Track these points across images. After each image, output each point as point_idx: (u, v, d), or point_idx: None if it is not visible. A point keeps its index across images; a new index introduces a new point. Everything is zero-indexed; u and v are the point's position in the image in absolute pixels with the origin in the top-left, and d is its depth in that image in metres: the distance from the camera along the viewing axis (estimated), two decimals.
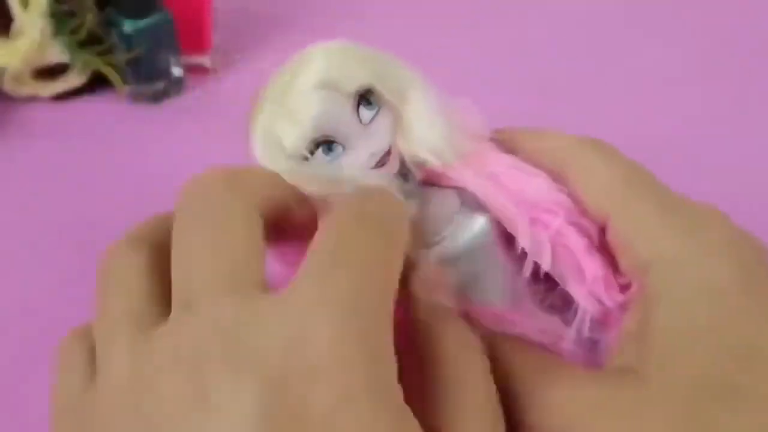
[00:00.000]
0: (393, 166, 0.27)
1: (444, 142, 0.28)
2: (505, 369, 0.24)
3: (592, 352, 0.27)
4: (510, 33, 0.60)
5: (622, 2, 0.63)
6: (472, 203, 0.28)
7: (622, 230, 0.27)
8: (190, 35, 0.52)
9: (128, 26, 0.49)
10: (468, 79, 0.56)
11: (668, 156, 0.48)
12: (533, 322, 0.27)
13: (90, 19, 0.50)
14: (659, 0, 0.63)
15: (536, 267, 0.27)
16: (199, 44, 0.54)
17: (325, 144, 0.26)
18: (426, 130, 0.28)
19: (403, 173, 0.28)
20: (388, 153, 0.27)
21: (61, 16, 0.49)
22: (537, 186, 0.28)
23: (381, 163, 0.27)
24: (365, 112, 0.27)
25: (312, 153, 0.26)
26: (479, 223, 0.28)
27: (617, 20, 0.61)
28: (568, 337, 0.27)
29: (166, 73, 0.52)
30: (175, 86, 0.53)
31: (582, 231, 0.28)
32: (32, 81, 0.51)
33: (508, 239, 0.28)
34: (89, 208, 0.44)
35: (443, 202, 0.28)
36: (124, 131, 0.50)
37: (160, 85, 0.52)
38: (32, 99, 0.52)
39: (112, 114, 0.51)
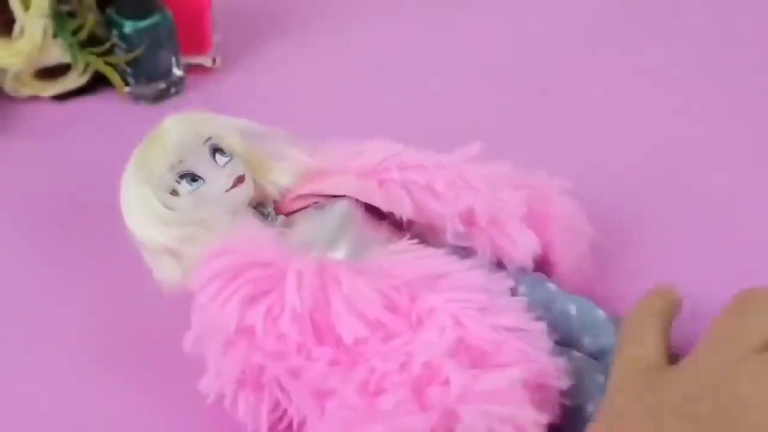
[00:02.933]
0: (248, 188, 0.36)
1: (291, 176, 0.37)
2: None
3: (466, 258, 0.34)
4: (508, 32, 0.60)
5: (621, 2, 0.63)
6: (329, 204, 0.36)
7: None
8: (190, 36, 0.52)
9: (129, 27, 0.49)
10: (467, 79, 0.56)
11: (668, 156, 0.49)
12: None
13: (91, 19, 0.50)
14: (658, 0, 0.63)
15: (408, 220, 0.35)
16: (199, 45, 0.54)
17: (189, 176, 0.35)
18: (276, 172, 0.37)
19: (265, 209, 0.37)
20: (243, 177, 0.36)
21: (62, 17, 0.49)
22: (370, 155, 0.36)
23: (237, 182, 0.36)
24: (220, 158, 0.36)
25: (178, 182, 0.35)
26: (340, 205, 0.35)
27: (617, 19, 0.61)
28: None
29: (166, 74, 0.52)
30: (176, 86, 0.53)
31: (419, 170, 0.35)
32: (33, 81, 0.52)
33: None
34: (90, 207, 0.44)
35: (309, 215, 0.36)
36: (125, 131, 0.50)
37: (160, 85, 0.52)
38: (33, 99, 0.52)
39: (113, 114, 0.52)
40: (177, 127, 0.36)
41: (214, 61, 0.55)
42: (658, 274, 0.40)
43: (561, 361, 0.30)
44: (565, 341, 0.33)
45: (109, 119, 0.51)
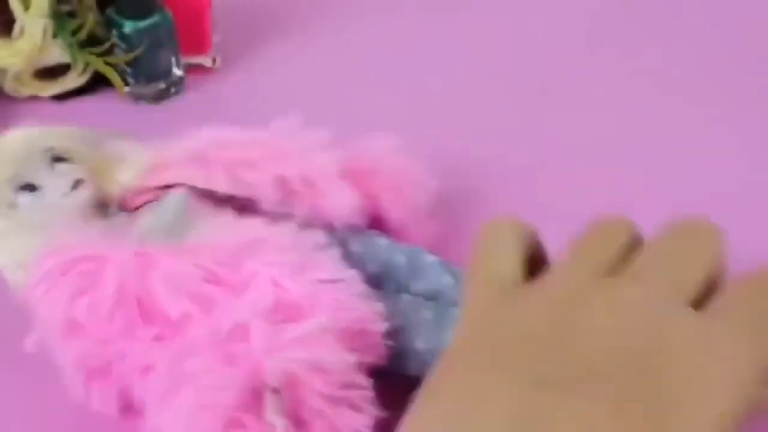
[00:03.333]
0: (89, 191, 0.37)
1: (131, 173, 0.38)
2: None
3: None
4: (508, 32, 0.60)
5: (621, 2, 0.63)
6: (165, 195, 0.37)
7: None
8: (190, 36, 0.52)
9: (129, 27, 0.49)
10: (467, 79, 0.56)
11: (667, 156, 0.49)
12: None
13: (91, 19, 0.50)
14: (658, 0, 0.63)
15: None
16: (199, 45, 0.54)
17: (27, 188, 0.37)
18: (117, 172, 0.38)
19: (110, 208, 0.38)
20: (81, 181, 0.37)
21: (62, 17, 0.49)
22: (194, 142, 0.38)
23: (77, 186, 0.37)
24: (60, 166, 0.37)
25: (17, 194, 0.36)
26: (174, 194, 0.37)
27: (617, 20, 0.61)
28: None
29: (166, 74, 0.52)
30: (176, 86, 0.53)
31: (236, 147, 0.37)
32: (33, 81, 0.52)
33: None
34: None
35: (149, 209, 0.37)
36: (125, 131, 0.50)
37: (160, 86, 0.52)
38: (33, 99, 0.52)
39: (112, 114, 0.51)
40: (11, 143, 0.38)
41: (214, 61, 0.55)
42: None
43: (380, 306, 0.32)
44: (396, 289, 0.36)
45: (108, 119, 0.51)
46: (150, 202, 0.37)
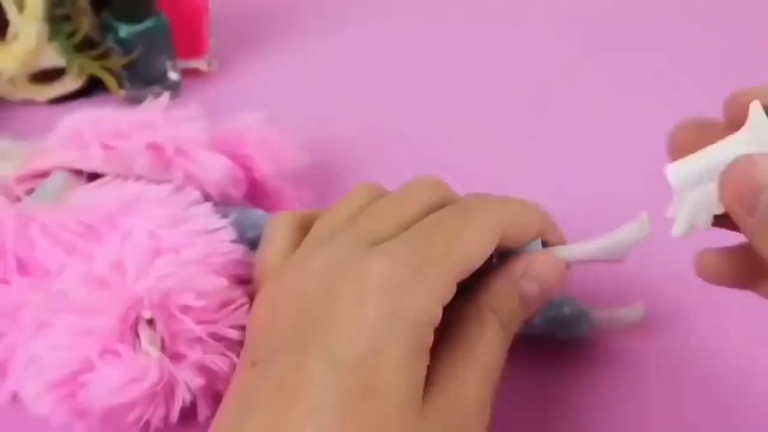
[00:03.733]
0: None
1: (12, 165, 0.38)
2: None
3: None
4: (507, 32, 0.60)
5: (617, 8, 0.63)
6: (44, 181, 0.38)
7: None
8: (186, 39, 0.52)
9: (124, 30, 0.49)
10: (466, 78, 0.56)
11: (664, 160, 0.48)
12: None
13: (86, 23, 0.50)
14: (657, 2, 0.63)
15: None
16: (195, 48, 0.54)
17: None
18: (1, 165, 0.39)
19: None
20: None
21: (57, 21, 0.49)
22: (67, 124, 0.39)
23: None
24: None
25: None
26: (52, 179, 0.37)
27: (615, 21, 0.61)
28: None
29: (162, 77, 0.52)
30: (172, 90, 0.52)
31: (107, 123, 0.38)
32: (28, 85, 0.51)
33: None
34: None
35: (31, 196, 0.37)
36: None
37: (156, 89, 0.52)
38: (28, 103, 0.52)
39: None
40: None
41: (210, 64, 0.55)
42: None
43: (247, 251, 0.35)
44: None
45: None
46: (30, 191, 0.38)
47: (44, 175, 0.38)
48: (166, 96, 0.41)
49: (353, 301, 0.26)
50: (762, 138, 0.25)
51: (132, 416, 0.31)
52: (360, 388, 0.25)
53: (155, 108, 0.41)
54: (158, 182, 0.37)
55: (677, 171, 0.26)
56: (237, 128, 0.42)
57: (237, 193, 0.40)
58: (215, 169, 0.39)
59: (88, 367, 0.30)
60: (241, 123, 0.42)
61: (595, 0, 0.63)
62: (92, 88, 0.52)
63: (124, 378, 0.29)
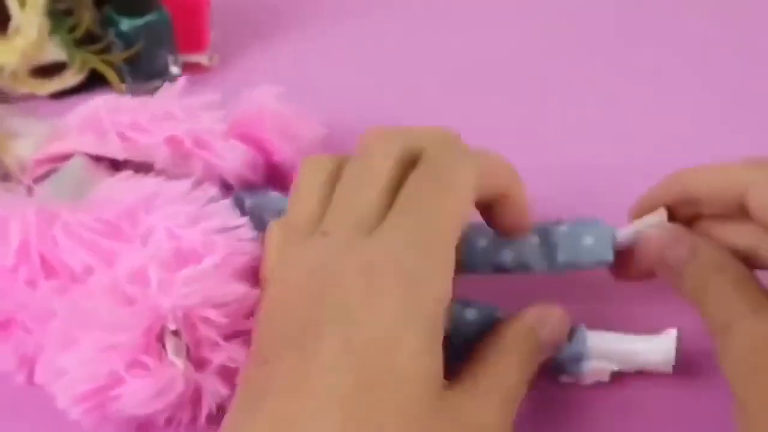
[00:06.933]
0: None
1: (30, 148, 0.39)
2: None
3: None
4: (506, 32, 0.60)
5: (616, 4, 0.63)
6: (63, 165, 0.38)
7: None
8: (187, 33, 0.52)
9: (126, 24, 0.49)
10: (465, 78, 0.56)
11: (665, 157, 0.48)
12: None
13: (87, 17, 0.50)
14: (654, 1, 0.63)
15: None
16: (196, 42, 0.54)
17: None
18: (16, 147, 0.39)
19: (11, 183, 0.39)
20: None
21: (59, 15, 0.49)
22: (84, 110, 0.39)
23: None
24: None
25: None
26: (71, 163, 0.37)
27: (613, 20, 0.61)
28: None
29: (163, 72, 0.52)
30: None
31: (126, 112, 0.38)
32: (29, 79, 0.51)
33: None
34: None
35: (49, 180, 0.37)
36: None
37: (157, 84, 0.52)
38: (29, 97, 0.52)
39: None
40: None
41: (211, 59, 0.55)
42: None
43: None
44: None
45: None
46: (49, 173, 0.38)
47: (63, 158, 0.38)
48: (183, 80, 0.41)
49: (366, 295, 0.26)
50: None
51: (160, 421, 0.31)
52: (378, 370, 0.25)
53: (171, 94, 0.40)
54: (177, 175, 0.37)
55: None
56: (253, 110, 0.41)
57: (256, 178, 0.40)
58: (234, 158, 0.39)
59: (116, 380, 0.30)
60: (258, 101, 0.42)
61: None
62: (93, 82, 0.52)
63: (152, 390, 0.30)
